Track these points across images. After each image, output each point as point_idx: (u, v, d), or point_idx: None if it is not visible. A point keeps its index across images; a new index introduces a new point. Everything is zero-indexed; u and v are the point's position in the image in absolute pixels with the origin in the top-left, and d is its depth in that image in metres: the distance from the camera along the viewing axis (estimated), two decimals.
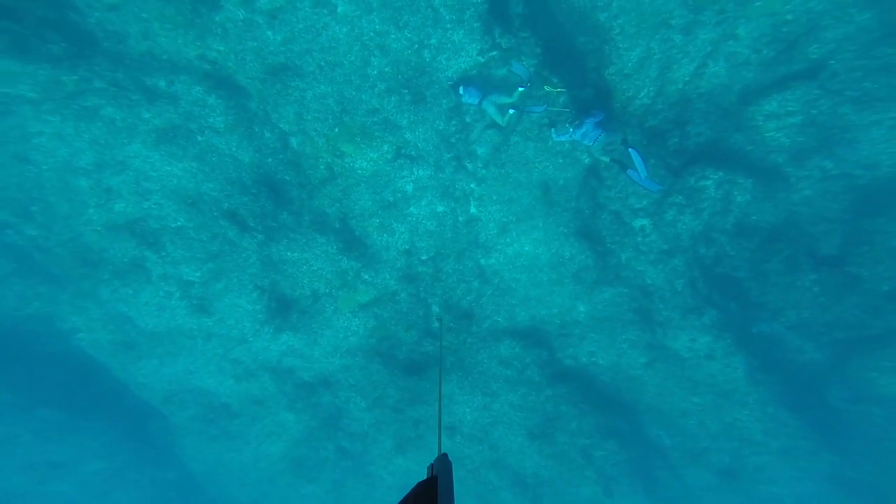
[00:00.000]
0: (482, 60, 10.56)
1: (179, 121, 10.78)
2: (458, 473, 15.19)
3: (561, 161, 11.10)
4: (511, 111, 10.49)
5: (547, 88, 10.46)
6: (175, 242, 11.99)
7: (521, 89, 10.17)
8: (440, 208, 11.94)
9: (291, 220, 12.02)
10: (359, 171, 11.62)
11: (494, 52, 10.49)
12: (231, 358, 14.26)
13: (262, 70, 10.59)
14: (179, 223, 11.74)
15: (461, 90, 10.41)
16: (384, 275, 12.68)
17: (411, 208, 12.01)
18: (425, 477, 2.25)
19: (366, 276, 12.68)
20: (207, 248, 12.11)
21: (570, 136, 10.01)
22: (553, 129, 10.42)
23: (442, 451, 2.73)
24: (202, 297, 12.88)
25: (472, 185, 11.68)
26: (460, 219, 12.05)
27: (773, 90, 10.03)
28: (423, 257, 12.54)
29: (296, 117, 11.08)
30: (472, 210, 11.97)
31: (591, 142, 10.07)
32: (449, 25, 10.30)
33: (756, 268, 11.14)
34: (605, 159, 10.85)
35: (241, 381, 14.84)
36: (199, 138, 11.04)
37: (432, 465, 2.38)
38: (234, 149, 11.21)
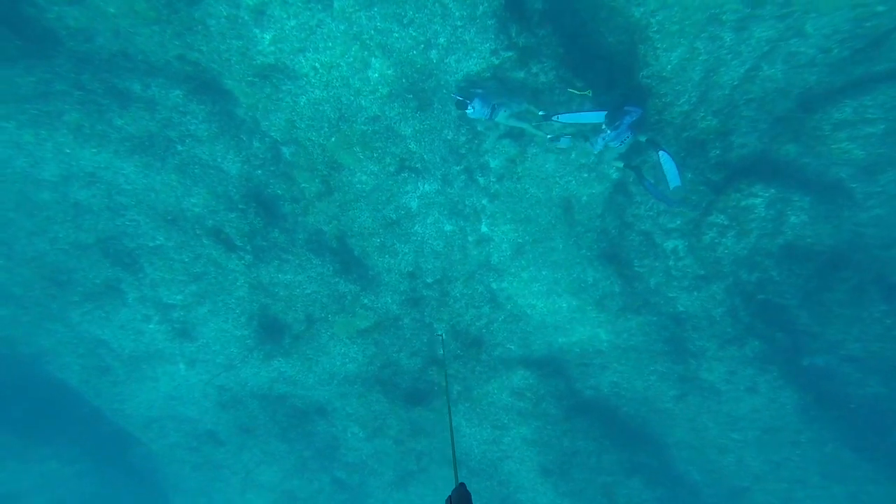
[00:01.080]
0: (496, 62, 9.56)
1: (157, 128, 9.89)
2: None
3: (585, 176, 10.12)
4: (563, 139, 9.64)
5: (571, 91, 9.43)
6: (153, 263, 11.09)
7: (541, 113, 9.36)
8: (448, 227, 10.97)
9: (284, 239, 11.09)
10: (358, 186, 10.67)
11: (511, 53, 9.49)
12: (217, 384, 13.30)
13: (249, 72, 9.67)
14: (158, 242, 10.85)
15: (469, 109, 9.38)
16: (385, 299, 11.74)
17: (416, 227, 11.07)
18: None
19: (365, 301, 11.74)
20: (189, 270, 11.19)
21: (606, 142, 9.01)
22: (588, 142, 9.44)
23: (459, 481, 2.86)
24: (184, 321, 11.97)
25: (483, 202, 10.72)
26: (470, 239, 11.10)
27: (847, 95, 8.87)
28: (429, 280, 11.60)
29: (288, 125, 10.16)
30: (484, 229, 11.00)
31: (619, 144, 9.10)
32: (459, 23, 9.29)
33: (811, 296, 10.15)
34: (618, 164, 9.83)
35: (228, 409, 13.92)
36: (180, 148, 10.15)
37: (450, 497, 2.52)
38: (218, 160, 10.32)
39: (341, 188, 10.78)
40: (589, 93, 9.35)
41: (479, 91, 9.48)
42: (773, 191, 9.51)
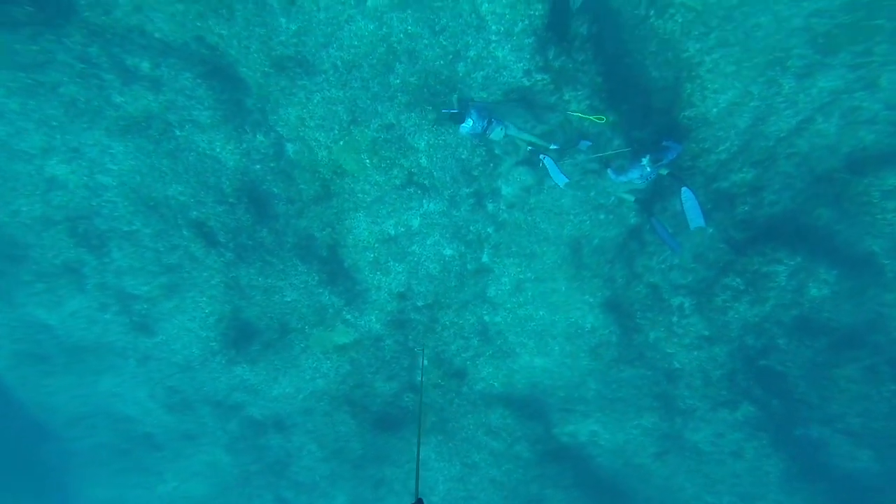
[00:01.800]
0: (527, 84, 9.28)
1: (158, 110, 9.31)
2: None
3: (602, 217, 9.91)
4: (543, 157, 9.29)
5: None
6: (123, 249, 10.29)
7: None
8: (448, 251, 10.57)
9: (271, 240, 10.51)
10: (360, 195, 10.17)
11: (545, 76, 9.20)
12: (168, 385, 12.38)
13: (267, 62, 9.21)
14: (134, 227, 10.09)
15: (468, 123, 8.79)
16: (370, 317, 11.24)
17: (414, 246, 10.64)
18: None
19: (348, 316, 11.20)
20: (162, 260, 10.45)
21: (636, 177, 8.70)
22: (610, 169, 9.03)
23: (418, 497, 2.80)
24: (146, 315, 11.16)
25: (489, 230, 10.38)
26: (469, 267, 10.73)
27: None
28: (419, 303, 11.16)
29: (297, 121, 9.68)
30: (485, 259, 10.67)
31: (642, 180, 8.83)
32: (494, 38, 9.01)
33: (817, 369, 10.11)
34: (629, 198, 9.64)
35: (175, 412, 13.04)
36: (178, 132, 9.59)
37: None
38: (217, 149, 9.76)
39: (341, 195, 10.28)
40: (604, 119, 9.08)
41: (476, 103, 8.96)
42: (798, 259, 9.36)
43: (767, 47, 8.28)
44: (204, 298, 10.85)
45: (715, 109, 8.98)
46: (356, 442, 12.79)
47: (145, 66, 9.00)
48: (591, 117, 9.08)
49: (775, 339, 10.12)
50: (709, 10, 8.50)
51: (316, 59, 9.23)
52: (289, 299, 11.00)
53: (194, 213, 10.02)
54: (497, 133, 8.99)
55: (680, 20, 8.73)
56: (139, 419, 13.39)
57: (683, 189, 8.72)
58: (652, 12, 8.97)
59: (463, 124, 8.77)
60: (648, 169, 8.47)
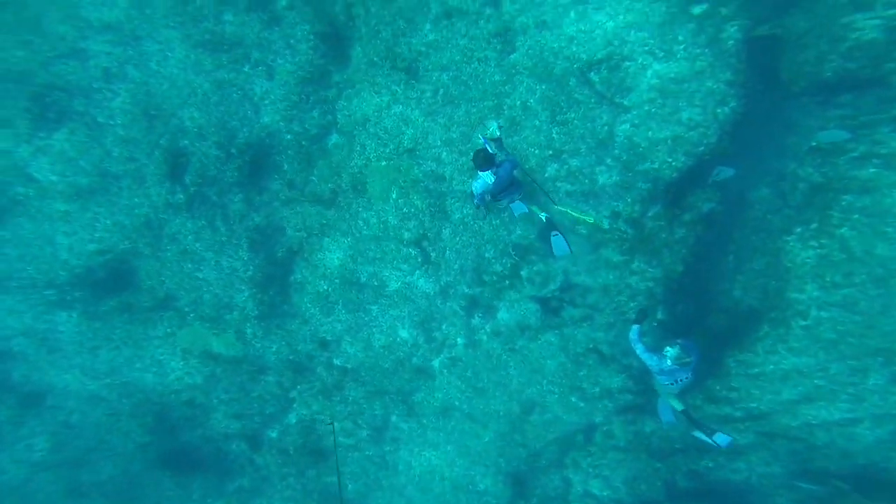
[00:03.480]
0: (605, 227, 8.21)
1: (251, 40, 8.78)
2: None
3: (573, 400, 8.89)
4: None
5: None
6: (76, 132, 8.72)
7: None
8: (404, 333, 9.20)
9: (237, 209, 8.75)
10: (360, 222, 8.82)
11: (628, 230, 8.23)
12: None
13: (383, 53, 8.43)
14: (111, 122, 8.75)
15: (488, 173, 7.01)
16: (273, 345, 9.27)
17: (374, 307, 9.12)
18: None
19: (249, 329, 9.18)
20: (103, 164, 8.78)
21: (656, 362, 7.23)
22: (637, 328, 7.38)
23: None
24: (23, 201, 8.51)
25: (458, 340, 9.15)
26: (414, 361, 9.34)
27: None
28: (336, 362, 9.44)
29: (361, 119, 8.59)
30: (434, 364, 9.36)
31: (672, 385, 7.39)
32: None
33: None
34: (677, 405, 7.69)
35: None
36: (246, 69, 8.86)
37: None
38: (265, 101, 8.69)
39: (343, 210, 8.81)
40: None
41: (512, 159, 7.18)
42: None
43: (887, 334, 7.33)
44: (108, 221, 8.42)
45: (772, 367, 8.01)
46: (113, 463, 10.07)
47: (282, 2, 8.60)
48: (583, 217, 7.90)
49: None
50: (864, 262, 7.37)
51: (424, 75, 8.16)
52: (201, 276, 8.81)
53: (185, 142, 8.42)
54: (520, 206, 7.85)
55: (824, 254, 7.60)
56: None
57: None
58: (798, 230, 7.85)
59: (480, 177, 7.00)
60: (669, 363, 7.06)
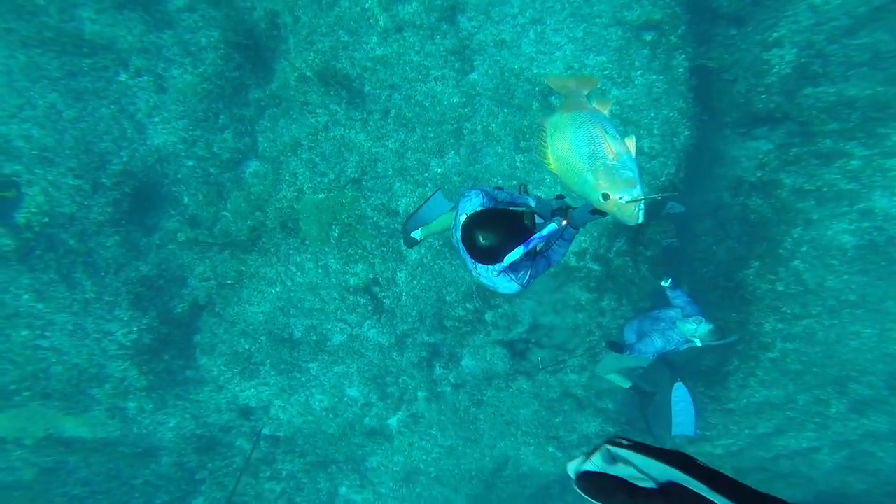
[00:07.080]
0: (573, 263, 7.70)
1: (127, 45, 7.07)
2: None
3: (550, 451, 8.08)
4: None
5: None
6: None
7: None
8: (353, 392, 7.92)
9: (111, 255, 7.10)
10: (293, 268, 7.39)
11: (596, 268, 7.66)
12: None
13: (318, 67, 7.07)
14: None
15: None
16: (171, 419, 7.73)
17: (313, 364, 7.78)
18: None
19: (132, 404, 7.59)
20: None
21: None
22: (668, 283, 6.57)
23: None
24: None
25: (419, 394, 8.02)
26: (367, 422, 8.05)
27: None
28: (265, 431, 7.92)
29: (291, 142, 7.19)
30: (391, 423, 8.13)
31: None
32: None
33: None
34: (625, 384, 7.24)
35: None
36: (121, 77, 7.13)
37: None
38: (155, 118, 7.20)
39: (268, 255, 7.32)
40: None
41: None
42: None
43: (844, 363, 7.45)
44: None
45: (745, 402, 7.92)
46: None
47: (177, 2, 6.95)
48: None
49: None
50: (818, 294, 7.37)
51: (370, 95, 6.99)
52: (47, 345, 6.88)
53: (15, 167, 6.58)
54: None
55: (780, 289, 7.53)
56: None
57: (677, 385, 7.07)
58: (756, 265, 7.75)
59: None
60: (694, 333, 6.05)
